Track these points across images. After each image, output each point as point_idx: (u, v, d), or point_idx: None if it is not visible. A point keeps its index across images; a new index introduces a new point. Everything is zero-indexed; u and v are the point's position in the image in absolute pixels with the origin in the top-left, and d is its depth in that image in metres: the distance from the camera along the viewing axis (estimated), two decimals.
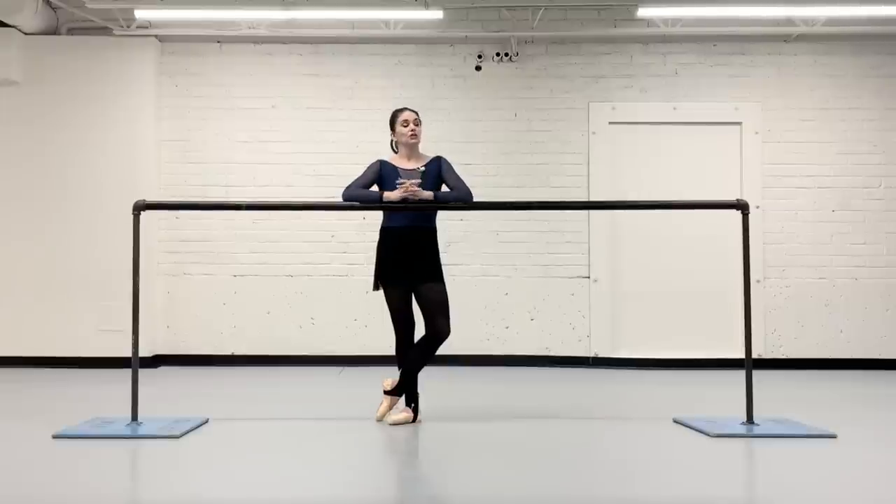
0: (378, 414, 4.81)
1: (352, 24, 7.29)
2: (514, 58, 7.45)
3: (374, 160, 4.87)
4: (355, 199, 4.73)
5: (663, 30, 7.18)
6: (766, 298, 7.33)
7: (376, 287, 4.84)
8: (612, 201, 7.19)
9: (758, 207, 7.11)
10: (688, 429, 4.62)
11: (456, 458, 4.06)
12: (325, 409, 5.25)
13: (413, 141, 4.80)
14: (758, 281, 7.23)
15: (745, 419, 4.63)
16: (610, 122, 7.43)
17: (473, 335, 7.20)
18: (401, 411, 4.76)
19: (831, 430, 4.49)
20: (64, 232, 7.22)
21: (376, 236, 4.82)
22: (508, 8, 7.10)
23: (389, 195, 4.63)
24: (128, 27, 7.22)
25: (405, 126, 4.78)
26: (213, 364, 7.25)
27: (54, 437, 4.30)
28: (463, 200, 4.75)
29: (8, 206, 7.26)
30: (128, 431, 4.41)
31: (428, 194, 4.64)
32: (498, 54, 7.46)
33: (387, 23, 7.13)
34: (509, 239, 7.40)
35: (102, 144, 7.26)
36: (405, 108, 4.86)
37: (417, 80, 7.47)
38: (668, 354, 7.28)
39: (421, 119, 4.87)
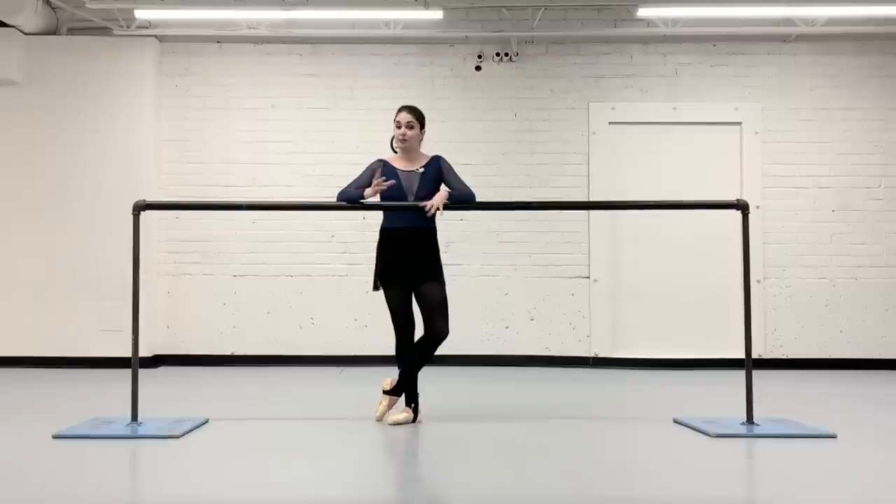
0: (377, 414, 4.81)
1: (352, 23, 7.28)
2: (514, 58, 7.45)
3: (374, 160, 4.87)
4: (345, 199, 4.75)
5: (663, 30, 7.18)
6: (766, 298, 7.33)
7: (376, 287, 4.84)
8: (612, 201, 7.18)
9: (758, 207, 7.11)
10: (688, 429, 4.62)
11: (456, 458, 4.06)
12: (325, 409, 5.25)
13: (402, 145, 4.80)
14: (758, 281, 7.23)
15: (745, 419, 4.62)
16: (610, 122, 7.43)
17: (473, 335, 7.19)
18: (401, 411, 4.76)
19: (831, 430, 4.49)
20: (64, 232, 7.21)
21: (376, 236, 4.83)
22: (508, 8, 7.09)
23: (366, 192, 4.66)
24: (128, 27, 7.22)
25: (398, 127, 4.79)
26: (213, 364, 7.25)
27: (54, 437, 4.30)
28: (467, 201, 4.77)
29: (8, 206, 7.26)
30: (128, 431, 4.41)
31: (443, 196, 4.65)
32: (498, 54, 7.46)
33: (387, 23, 7.12)
34: (509, 239, 7.40)
35: (102, 144, 7.26)
36: (402, 109, 4.83)
37: (417, 80, 7.47)
38: (668, 354, 7.28)
39: (423, 117, 4.85)
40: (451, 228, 7.08)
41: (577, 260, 7.41)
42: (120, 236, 6.67)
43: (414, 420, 4.76)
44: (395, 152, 4.89)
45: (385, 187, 4.64)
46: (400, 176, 4.74)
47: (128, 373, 4.68)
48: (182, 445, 4.22)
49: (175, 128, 7.46)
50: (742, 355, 4.72)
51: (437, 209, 4.58)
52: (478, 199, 4.90)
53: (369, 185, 4.71)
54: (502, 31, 7.25)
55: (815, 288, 7.38)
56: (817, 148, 7.43)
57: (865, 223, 7.40)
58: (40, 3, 7.01)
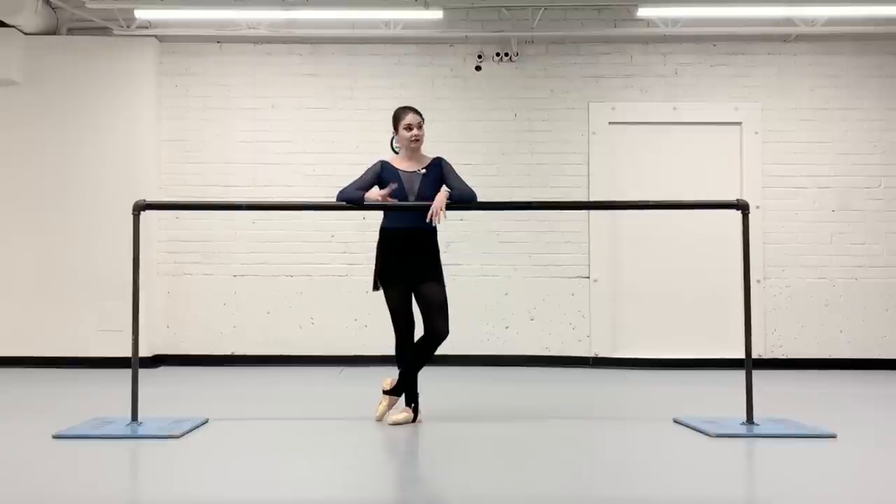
0: (377, 414, 4.81)
1: (352, 23, 7.28)
2: (514, 58, 7.45)
3: (374, 161, 4.87)
4: (345, 200, 4.74)
5: (663, 30, 7.18)
6: (766, 298, 7.33)
7: (376, 287, 4.84)
8: (612, 201, 7.18)
9: (758, 207, 7.11)
10: (688, 429, 4.62)
11: (456, 458, 4.06)
12: (325, 409, 5.25)
13: (415, 146, 4.80)
14: (758, 281, 7.23)
15: (745, 419, 4.63)
16: (610, 122, 7.43)
17: (473, 335, 7.19)
18: (401, 411, 4.76)
19: (831, 430, 4.49)
20: (64, 232, 7.21)
21: (376, 236, 4.83)
22: (508, 8, 7.09)
23: (368, 195, 4.67)
24: (128, 27, 7.22)
25: (409, 130, 4.77)
26: (213, 364, 7.25)
27: (54, 437, 4.30)
28: (469, 201, 4.76)
29: (8, 206, 7.26)
30: (128, 431, 4.41)
31: (444, 196, 4.64)
32: (498, 54, 7.46)
33: (387, 23, 7.13)
34: (509, 239, 7.40)
35: (102, 144, 7.26)
36: (409, 110, 4.81)
37: (417, 80, 7.47)
38: (668, 354, 7.28)
39: (423, 117, 4.87)
40: (451, 228, 7.07)
41: (577, 260, 7.41)
42: (120, 236, 6.68)
43: (414, 420, 4.76)
44: (396, 153, 4.89)
45: (388, 195, 4.63)
46: (402, 177, 4.74)
47: (128, 373, 4.68)
48: (182, 445, 4.22)
49: (175, 128, 7.46)
50: (742, 355, 4.72)
51: (441, 210, 4.57)
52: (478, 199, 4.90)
53: (370, 187, 4.72)
54: (502, 31, 7.25)
55: (815, 288, 7.38)
56: (817, 148, 7.43)
57: (865, 223, 7.40)
58: (40, 3, 7.01)
